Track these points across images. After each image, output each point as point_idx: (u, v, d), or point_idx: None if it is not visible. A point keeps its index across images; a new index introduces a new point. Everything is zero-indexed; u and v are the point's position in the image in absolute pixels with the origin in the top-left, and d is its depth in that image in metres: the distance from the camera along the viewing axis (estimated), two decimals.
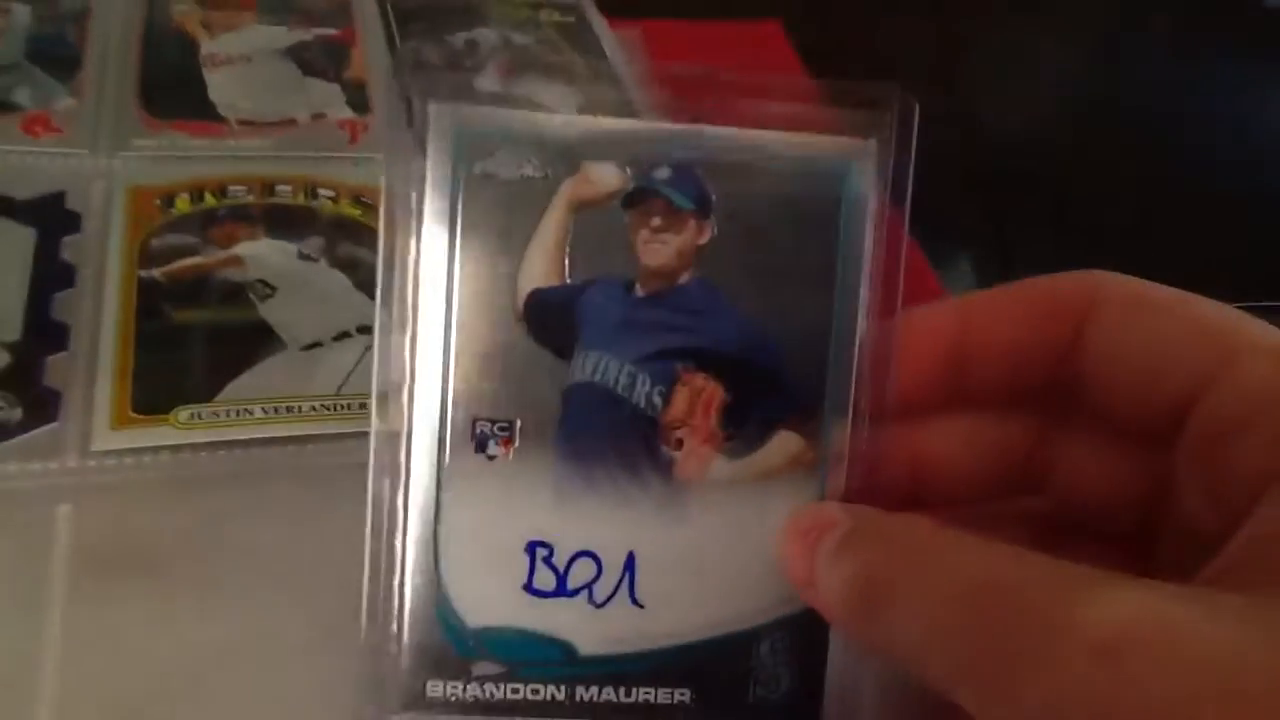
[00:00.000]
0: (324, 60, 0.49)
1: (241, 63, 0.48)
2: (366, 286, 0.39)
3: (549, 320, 0.23)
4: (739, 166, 0.23)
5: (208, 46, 0.48)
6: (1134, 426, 0.22)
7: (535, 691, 0.23)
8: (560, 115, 0.23)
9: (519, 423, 0.23)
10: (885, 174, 0.23)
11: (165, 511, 0.32)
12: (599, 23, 0.53)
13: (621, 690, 0.24)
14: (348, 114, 0.46)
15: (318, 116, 0.46)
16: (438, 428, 0.23)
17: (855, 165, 0.23)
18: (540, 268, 0.23)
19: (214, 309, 0.37)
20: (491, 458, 0.23)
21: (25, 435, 0.32)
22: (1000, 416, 0.24)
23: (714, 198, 0.23)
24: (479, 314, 0.23)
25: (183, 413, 0.34)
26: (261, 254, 0.39)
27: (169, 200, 0.40)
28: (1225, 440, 0.20)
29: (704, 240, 0.23)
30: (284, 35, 0.49)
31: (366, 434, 0.34)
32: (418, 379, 0.23)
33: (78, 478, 0.32)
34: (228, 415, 0.34)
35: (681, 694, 0.24)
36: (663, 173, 0.23)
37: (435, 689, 0.23)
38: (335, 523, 0.32)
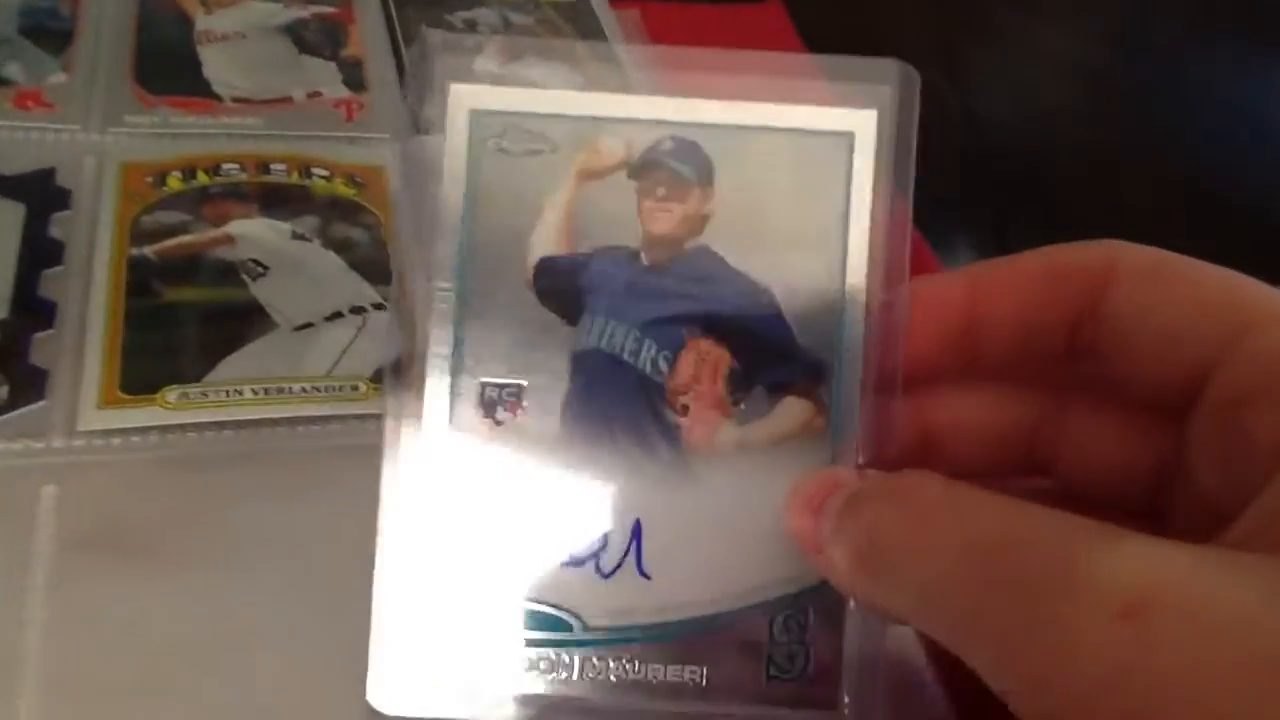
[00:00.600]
0: (320, 38, 0.48)
1: (237, 39, 0.47)
2: (360, 267, 0.38)
3: (557, 286, 0.24)
4: (741, 137, 0.24)
5: (203, 22, 0.48)
6: (1149, 398, 0.22)
7: (544, 665, 0.23)
8: (567, 93, 0.24)
9: (527, 387, 0.23)
10: (887, 145, 0.23)
11: (153, 493, 0.31)
12: (599, 2, 0.52)
13: (630, 666, 0.23)
14: (344, 93, 0.45)
15: (313, 95, 0.45)
16: (448, 392, 0.23)
17: (857, 135, 0.24)
18: (550, 236, 0.24)
19: (205, 288, 0.37)
20: (500, 422, 0.23)
21: (11, 414, 0.32)
22: (1009, 390, 0.24)
23: (717, 168, 0.24)
24: (490, 280, 0.23)
25: (172, 393, 0.33)
26: (254, 233, 0.39)
27: (161, 177, 0.40)
28: (1243, 408, 0.19)
29: (708, 209, 0.24)
30: (280, 12, 0.49)
31: (357, 416, 0.34)
32: (430, 343, 0.23)
33: (64, 458, 0.31)
34: (217, 396, 0.33)
35: (693, 671, 0.23)
36: (666, 145, 0.24)
37: (444, 666, 0.23)
38: (326, 505, 0.32)
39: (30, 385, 0.33)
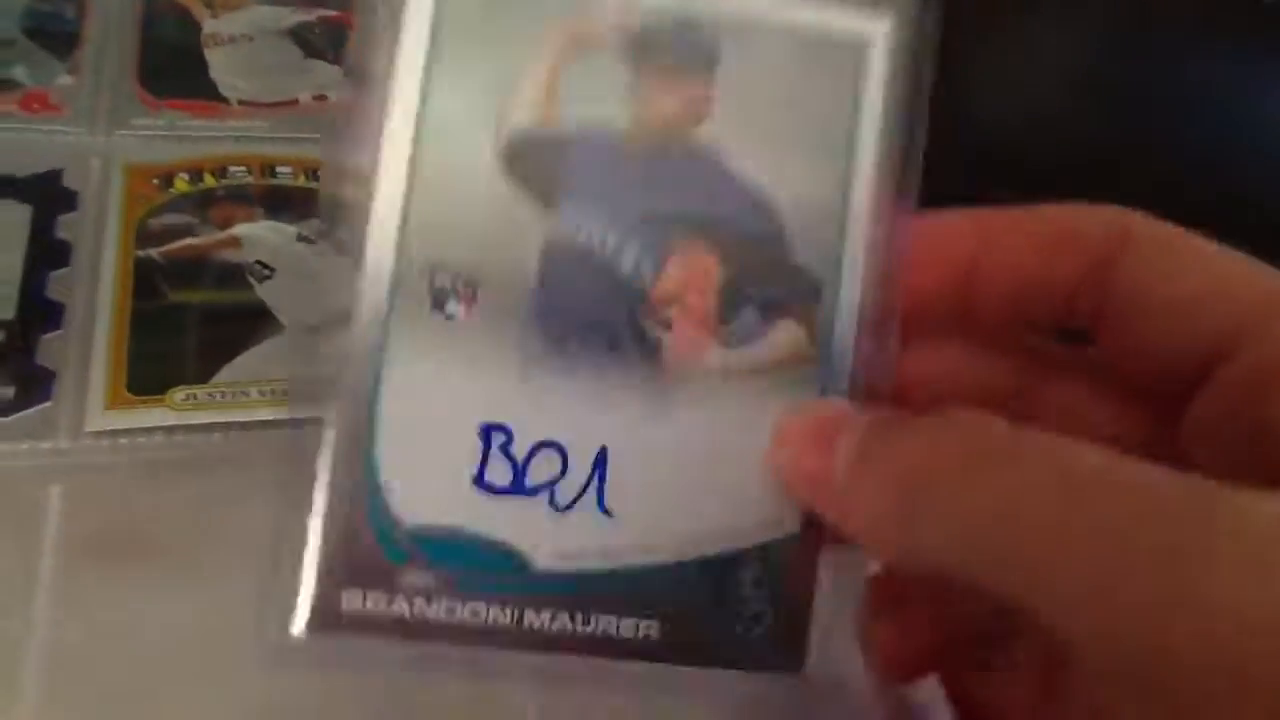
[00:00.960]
0: (326, 41, 0.48)
1: (243, 42, 0.47)
2: None
3: (532, 163, 0.20)
4: (750, 28, 0.21)
5: (209, 25, 0.48)
6: (1148, 375, 0.21)
7: (475, 613, 0.20)
8: None
9: (486, 278, 0.20)
10: (904, 56, 0.22)
11: (159, 494, 0.31)
12: None
13: (579, 617, 0.20)
14: (349, 94, 0.45)
15: (319, 98, 0.45)
16: (390, 273, 0.20)
17: (872, 43, 0.22)
18: (528, 105, 0.20)
19: (211, 290, 0.37)
20: (450, 317, 0.20)
21: (18, 414, 0.32)
22: (993, 353, 0.23)
23: (723, 56, 0.21)
24: (453, 145, 0.20)
25: (178, 394, 0.33)
26: (260, 235, 0.39)
27: (167, 180, 0.40)
28: (1266, 389, 0.19)
29: (709, 99, 0.21)
30: (287, 15, 0.49)
31: None
32: (373, 212, 0.20)
33: (70, 458, 0.32)
34: (223, 397, 0.33)
35: (648, 626, 0.21)
36: (669, 21, 0.21)
37: (353, 601, 0.20)
38: None
39: (37, 386, 0.33)
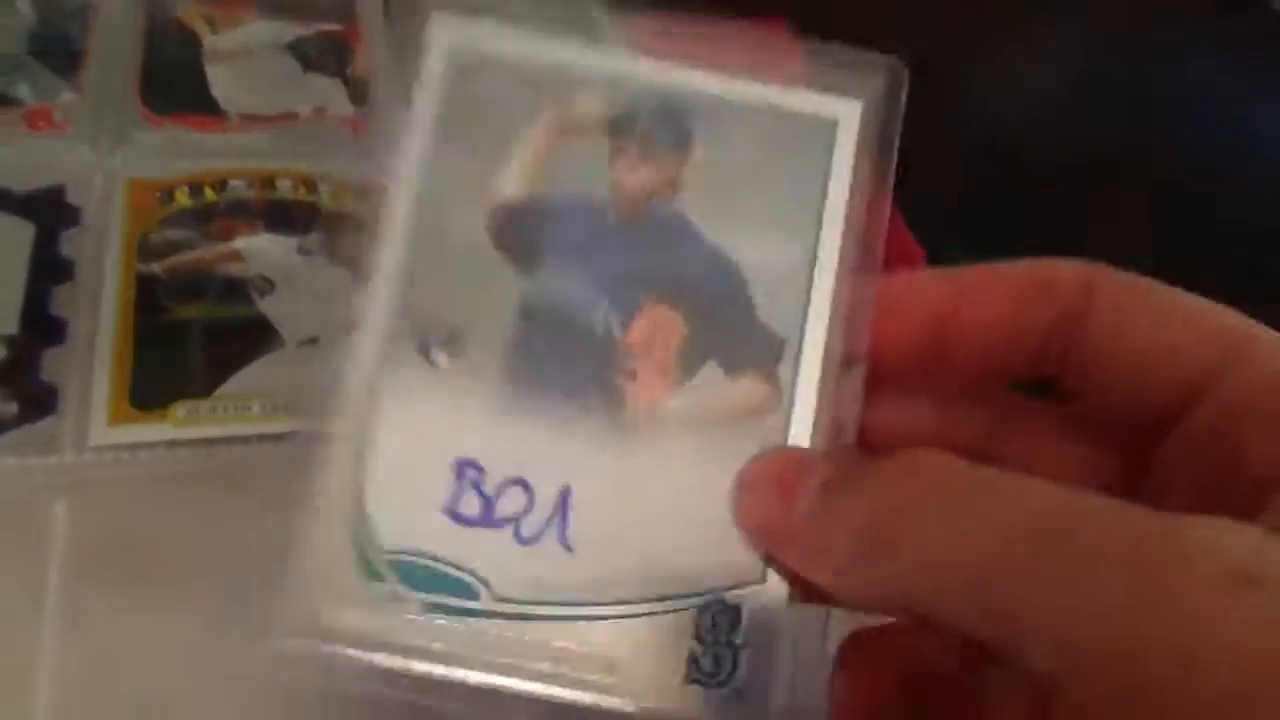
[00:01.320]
0: (326, 55, 0.48)
1: (244, 57, 0.47)
2: None
3: (516, 232, 0.23)
4: (723, 110, 0.23)
5: (210, 42, 0.48)
6: (1119, 421, 0.21)
7: (440, 634, 0.21)
8: (553, 38, 0.23)
9: (469, 333, 0.22)
10: (871, 137, 0.23)
11: (163, 508, 0.31)
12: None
13: (533, 648, 0.21)
14: (350, 109, 0.46)
15: (319, 111, 0.45)
16: (385, 325, 0.22)
17: (841, 123, 0.23)
18: (516, 182, 0.23)
19: (213, 304, 0.37)
20: (435, 365, 0.22)
21: (21, 429, 0.32)
22: (960, 404, 0.23)
23: (696, 135, 0.23)
24: (446, 216, 0.22)
25: (181, 408, 0.33)
26: (261, 249, 0.39)
27: (169, 194, 0.40)
28: (1236, 430, 0.19)
29: (682, 175, 0.23)
30: (286, 30, 0.49)
31: None
32: (376, 273, 0.22)
33: (74, 473, 0.32)
34: (226, 411, 0.34)
35: (604, 663, 0.21)
36: (647, 105, 0.23)
37: (333, 616, 0.21)
38: None
39: (41, 401, 0.33)
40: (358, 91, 0.47)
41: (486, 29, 0.23)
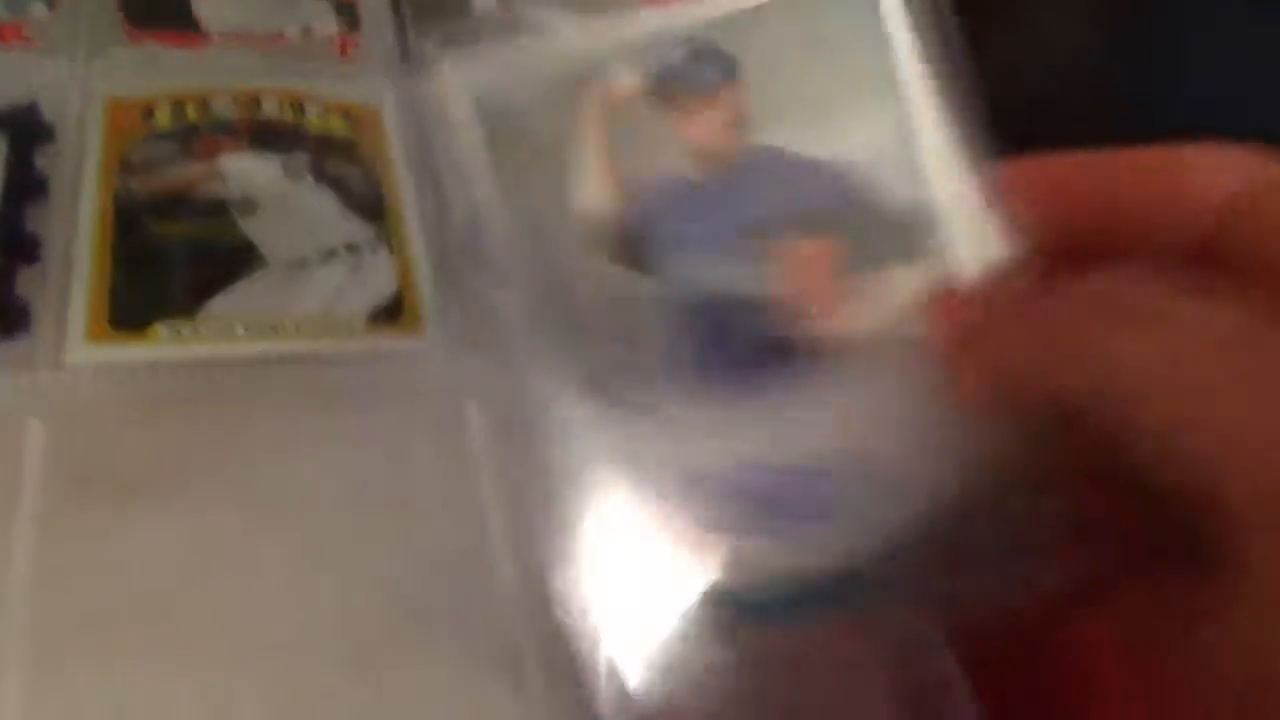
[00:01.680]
0: None
1: None
2: (354, 204, 0.37)
3: (618, 238, 0.21)
4: (753, 19, 0.22)
5: None
6: None
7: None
8: (565, 33, 0.22)
9: (629, 354, 0.21)
10: None
11: (141, 429, 0.30)
12: None
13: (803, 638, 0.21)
14: (337, 29, 0.44)
15: (306, 32, 0.44)
16: (561, 388, 0.21)
17: None
18: (596, 188, 0.22)
19: (195, 224, 0.36)
20: (614, 399, 0.21)
21: None
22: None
23: (740, 59, 0.22)
24: (554, 257, 0.21)
25: (163, 328, 0.32)
26: (245, 169, 0.37)
27: (149, 112, 0.39)
28: None
29: (744, 104, 0.22)
30: None
31: (352, 355, 0.33)
32: (520, 339, 0.21)
33: (50, 392, 0.31)
34: (208, 332, 0.32)
35: None
36: (678, 53, 0.22)
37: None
38: (315, 445, 0.31)
39: (15, 319, 0.32)
40: (345, 11, 0.45)
41: (499, 55, 0.22)
